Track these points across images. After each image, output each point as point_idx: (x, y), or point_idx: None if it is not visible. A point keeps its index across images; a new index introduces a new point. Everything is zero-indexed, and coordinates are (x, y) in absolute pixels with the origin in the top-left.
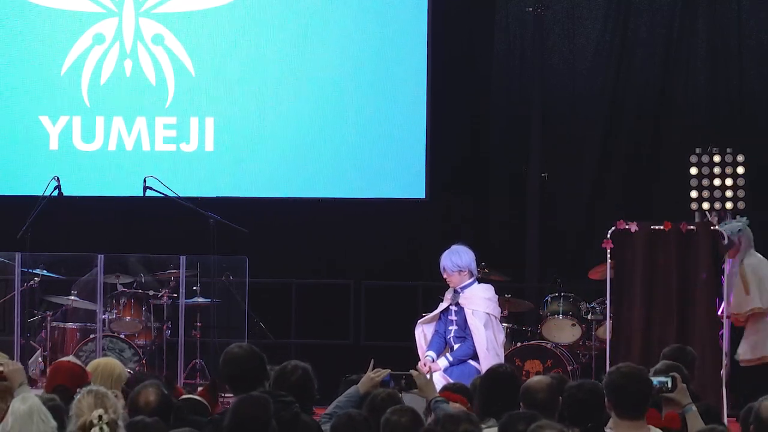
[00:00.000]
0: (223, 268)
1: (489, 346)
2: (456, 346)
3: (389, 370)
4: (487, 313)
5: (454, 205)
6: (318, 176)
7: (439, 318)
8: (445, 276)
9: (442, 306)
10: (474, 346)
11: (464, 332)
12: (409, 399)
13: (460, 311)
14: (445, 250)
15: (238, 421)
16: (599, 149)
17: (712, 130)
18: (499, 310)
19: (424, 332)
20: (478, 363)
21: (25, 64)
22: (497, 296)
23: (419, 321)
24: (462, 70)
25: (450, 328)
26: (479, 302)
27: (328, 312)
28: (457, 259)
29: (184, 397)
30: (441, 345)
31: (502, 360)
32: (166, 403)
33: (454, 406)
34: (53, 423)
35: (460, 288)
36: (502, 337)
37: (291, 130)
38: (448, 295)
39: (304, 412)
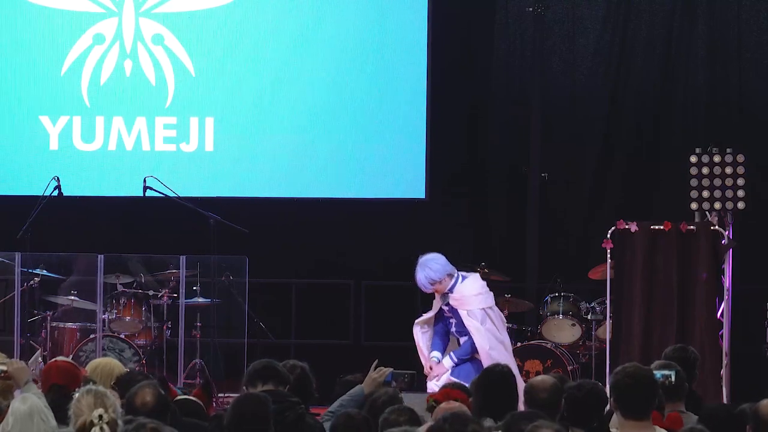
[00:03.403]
0: (223, 268)
1: (491, 345)
2: (461, 340)
3: (391, 369)
4: (482, 309)
5: (454, 205)
6: (318, 176)
7: (436, 318)
8: (431, 291)
9: (435, 307)
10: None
11: (464, 327)
12: (412, 400)
13: (454, 310)
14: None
15: (239, 418)
16: (599, 149)
17: (712, 130)
18: (492, 298)
19: (422, 331)
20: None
21: (25, 64)
22: (486, 287)
23: (416, 321)
24: (462, 70)
25: (451, 320)
26: (471, 301)
27: (328, 312)
28: (430, 273)
29: (179, 397)
30: (443, 344)
31: (507, 348)
32: (164, 403)
33: (454, 405)
34: (53, 423)
35: (448, 290)
36: (502, 318)
37: (291, 130)
38: (437, 299)
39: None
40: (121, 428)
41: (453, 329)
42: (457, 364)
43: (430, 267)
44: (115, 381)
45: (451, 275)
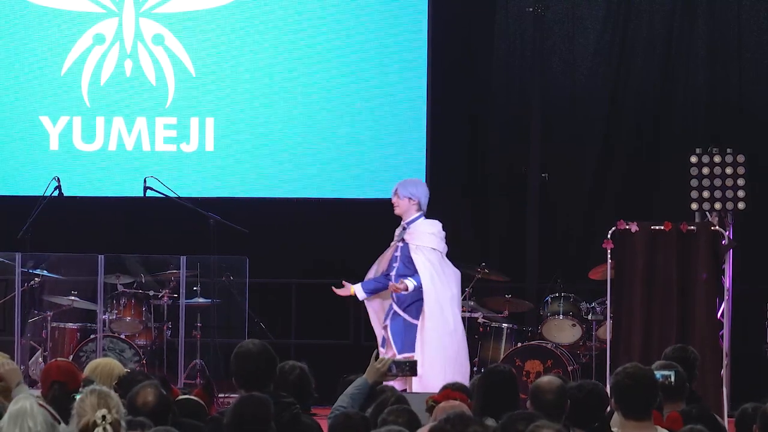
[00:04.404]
0: (223, 268)
1: (433, 279)
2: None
3: (393, 358)
4: (433, 248)
5: (454, 205)
6: (318, 176)
7: (388, 266)
8: (393, 200)
9: (391, 247)
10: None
11: (408, 269)
12: (412, 400)
13: (405, 247)
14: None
15: (239, 420)
16: (599, 149)
17: (712, 130)
18: (445, 246)
19: (375, 270)
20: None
21: (25, 64)
22: (442, 233)
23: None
24: (462, 70)
25: (394, 265)
26: (423, 237)
27: (328, 312)
28: (411, 187)
29: (180, 397)
30: (375, 286)
31: (447, 292)
32: (165, 403)
33: (454, 404)
34: (40, 428)
35: (407, 223)
36: (451, 271)
37: (291, 130)
38: (396, 231)
39: (301, 411)
40: (124, 429)
41: (393, 272)
42: (417, 288)
43: (416, 184)
44: (117, 381)
45: (421, 207)
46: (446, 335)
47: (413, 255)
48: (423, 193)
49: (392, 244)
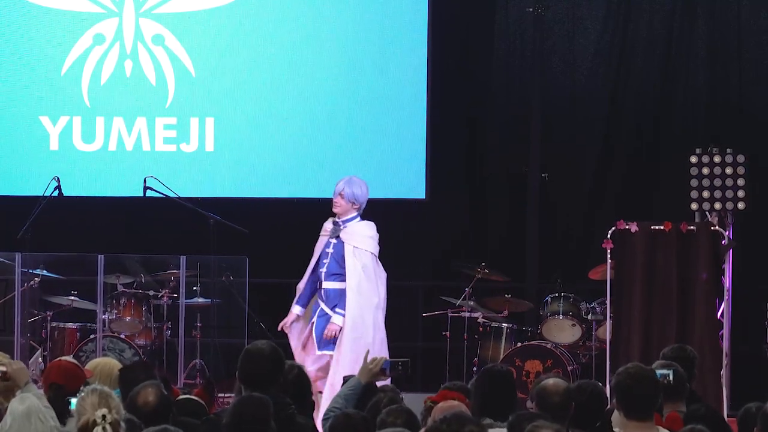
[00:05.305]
0: (223, 268)
1: (360, 286)
2: (324, 284)
3: (385, 358)
4: (372, 253)
5: (454, 205)
6: (318, 176)
7: (315, 266)
8: (336, 200)
9: (318, 249)
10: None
11: (341, 267)
12: (409, 401)
13: (339, 245)
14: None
15: (238, 420)
16: (599, 149)
17: (712, 130)
18: (378, 248)
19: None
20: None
21: (25, 64)
22: (378, 235)
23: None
24: (462, 70)
25: (324, 261)
26: (362, 240)
27: None
28: (358, 191)
29: (181, 397)
30: (309, 295)
31: (373, 298)
32: (166, 403)
33: (453, 404)
34: (52, 423)
35: (342, 222)
36: (382, 273)
37: (291, 131)
38: (327, 226)
39: (300, 411)
40: (123, 429)
41: (324, 269)
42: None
43: (361, 187)
44: (120, 370)
45: (360, 209)
46: (363, 345)
47: (348, 258)
48: (366, 197)
49: (321, 238)
